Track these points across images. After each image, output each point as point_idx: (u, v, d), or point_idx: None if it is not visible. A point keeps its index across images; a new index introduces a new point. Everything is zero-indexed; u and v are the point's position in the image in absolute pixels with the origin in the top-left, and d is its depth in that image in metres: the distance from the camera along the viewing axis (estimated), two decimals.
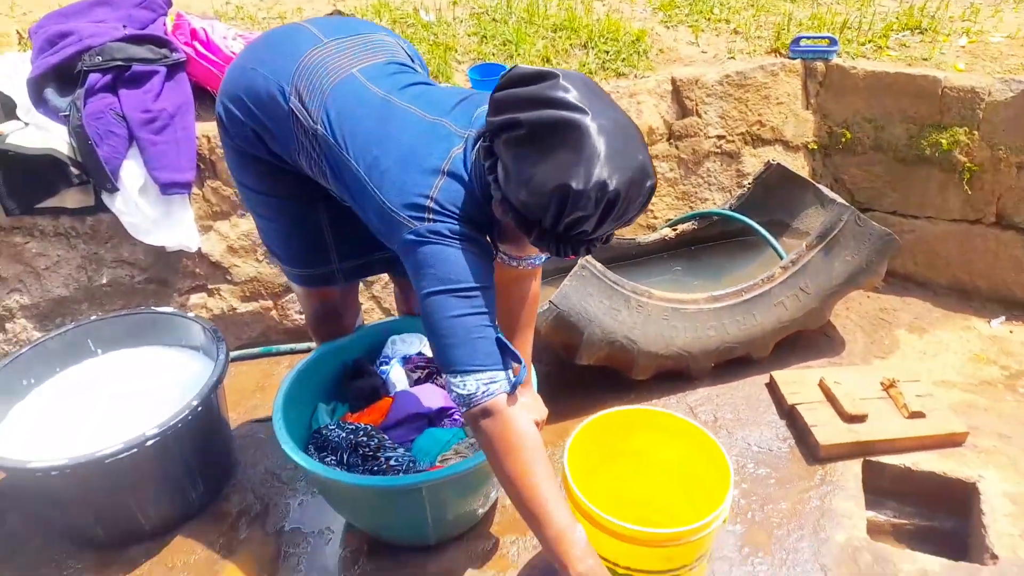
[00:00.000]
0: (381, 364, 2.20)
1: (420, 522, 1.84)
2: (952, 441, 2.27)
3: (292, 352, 2.79)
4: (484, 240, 1.43)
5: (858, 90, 2.94)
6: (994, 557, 1.94)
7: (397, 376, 2.14)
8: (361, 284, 2.53)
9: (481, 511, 2.03)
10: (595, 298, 2.29)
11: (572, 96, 1.20)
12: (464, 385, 1.36)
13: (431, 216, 1.36)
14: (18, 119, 2.42)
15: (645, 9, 3.55)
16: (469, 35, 3.16)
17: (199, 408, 1.91)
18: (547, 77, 1.23)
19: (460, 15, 3.34)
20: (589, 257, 2.29)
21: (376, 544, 2.03)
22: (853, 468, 2.22)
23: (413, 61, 1.71)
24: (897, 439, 2.24)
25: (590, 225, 1.25)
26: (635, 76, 2.94)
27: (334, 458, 1.87)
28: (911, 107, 2.87)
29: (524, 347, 1.83)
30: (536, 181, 1.21)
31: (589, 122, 1.19)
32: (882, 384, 2.42)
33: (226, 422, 2.25)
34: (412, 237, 1.36)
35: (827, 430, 2.27)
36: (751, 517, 2.10)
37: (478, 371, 1.36)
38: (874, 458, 2.24)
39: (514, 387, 1.40)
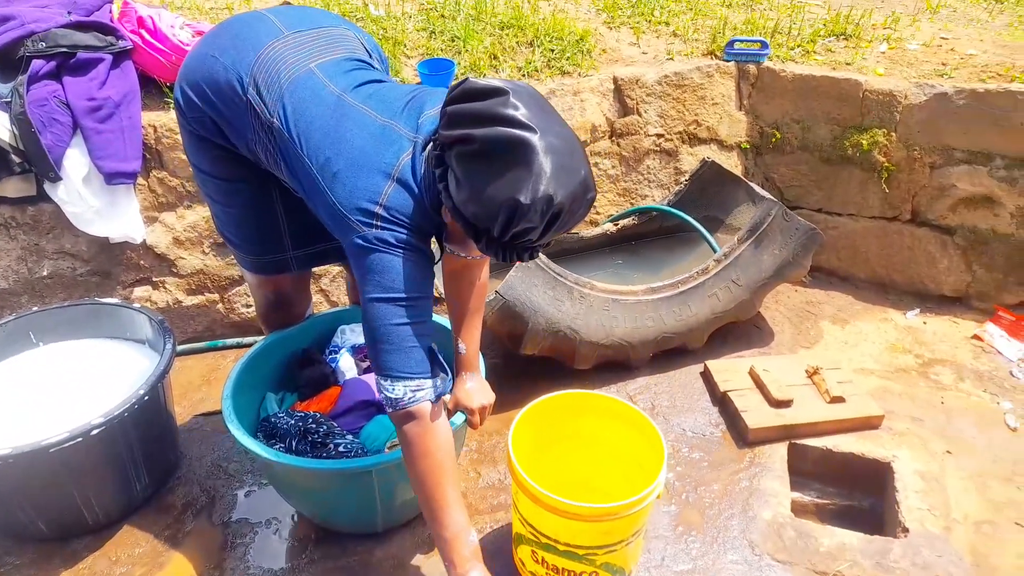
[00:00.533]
0: (330, 353, 2.24)
1: (369, 507, 1.89)
2: (869, 424, 2.43)
3: (238, 346, 2.79)
4: (428, 250, 1.51)
5: (787, 92, 3.09)
6: (905, 530, 2.09)
7: (346, 365, 2.19)
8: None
9: None
10: (539, 289, 2.37)
11: (522, 114, 1.28)
12: (393, 389, 1.47)
13: (379, 223, 1.42)
14: None
15: (589, 10, 3.65)
16: (418, 30, 3.20)
17: (145, 398, 1.92)
18: (498, 93, 1.30)
19: (409, 11, 3.37)
20: None
21: (323, 532, 2.07)
22: (780, 451, 2.36)
23: (371, 56, 1.75)
24: (819, 423, 2.39)
25: (535, 235, 1.33)
26: (579, 75, 3.03)
27: (283, 445, 1.90)
28: (835, 109, 3.04)
29: (472, 332, 1.91)
30: (487, 195, 1.29)
31: (537, 140, 1.27)
32: (806, 372, 2.57)
33: (172, 414, 2.24)
34: (360, 242, 1.43)
35: (756, 415, 2.41)
36: (685, 498, 2.21)
37: (407, 378, 1.47)
38: (799, 441, 2.38)
39: (439, 396, 1.53)
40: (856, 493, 2.36)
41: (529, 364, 2.56)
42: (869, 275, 3.22)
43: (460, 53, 3.04)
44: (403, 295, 1.44)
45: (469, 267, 1.81)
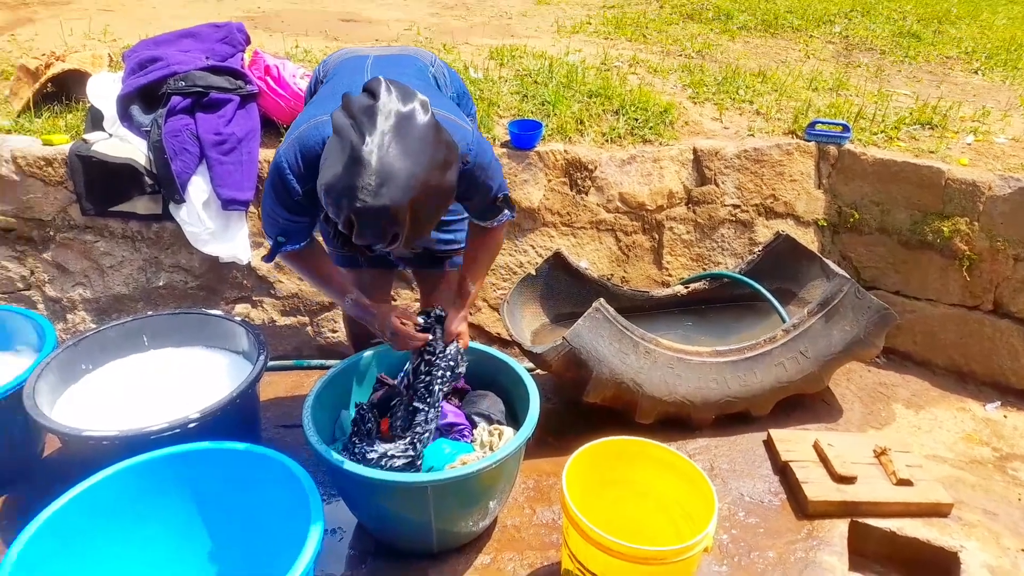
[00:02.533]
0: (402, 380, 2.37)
1: (425, 524, 1.98)
2: (937, 511, 2.35)
3: (322, 367, 2.96)
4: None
5: (867, 175, 3.14)
6: None
7: None
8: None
9: (483, 524, 2.17)
10: (606, 340, 2.46)
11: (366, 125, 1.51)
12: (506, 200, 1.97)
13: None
14: (103, 131, 2.69)
15: (676, 85, 3.82)
16: (512, 93, 3.43)
17: (238, 401, 2.09)
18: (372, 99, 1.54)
19: (505, 75, 3.62)
20: (603, 301, 2.48)
21: (383, 547, 2.17)
22: (840, 527, 2.32)
23: (438, 78, 2.07)
24: (884, 503, 2.34)
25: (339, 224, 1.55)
26: (660, 143, 3.18)
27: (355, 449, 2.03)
28: (916, 195, 3.06)
29: (477, 275, 2.15)
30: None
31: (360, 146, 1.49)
32: (874, 451, 2.53)
33: (258, 420, 2.42)
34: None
35: (817, 487, 2.38)
36: (737, 561, 2.20)
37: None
38: (861, 519, 2.34)
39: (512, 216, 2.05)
40: None
41: (591, 413, 2.63)
42: (947, 362, 3.16)
43: (549, 116, 3.24)
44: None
45: (485, 230, 2.07)
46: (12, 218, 2.76)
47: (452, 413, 2.22)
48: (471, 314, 2.68)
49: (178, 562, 1.87)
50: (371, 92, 1.54)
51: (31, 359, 2.32)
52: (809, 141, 3.23)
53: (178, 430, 1.96)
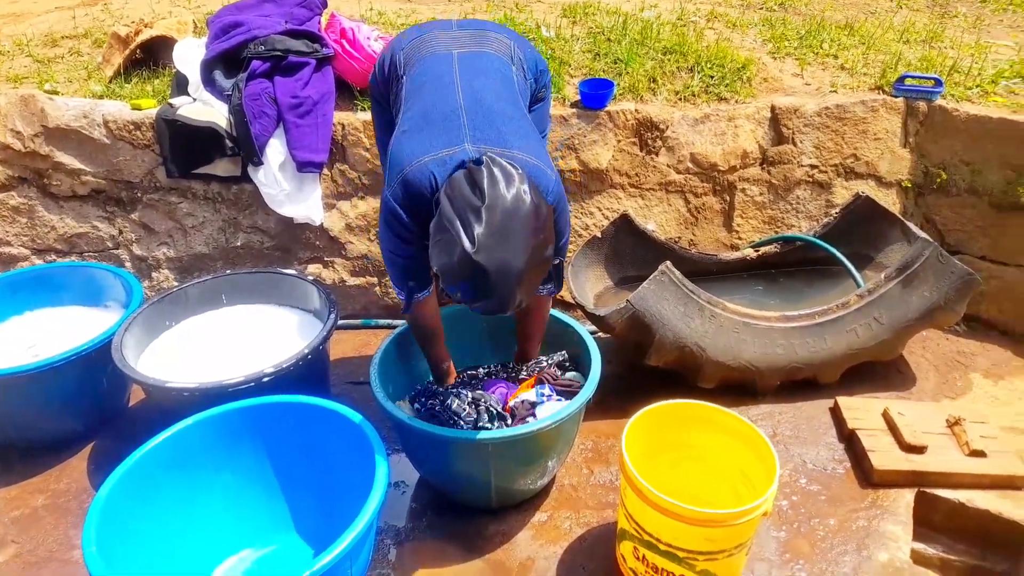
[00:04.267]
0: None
1: (484, 480, 2.05)
2: (1012, 484, 2.27)
3: (389, 327, 3.06)
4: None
5: (958, 132, 2.96)
6: None
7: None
8: None
9: (541, 482, 2.22)
10: (670, 303, 2.45)
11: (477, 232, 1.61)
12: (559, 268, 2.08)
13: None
14: (188, 95, 2.81)
15: (755, 40, 3.67)
16: (584, 52, 3.37)
17: (310, 357, 2.20)
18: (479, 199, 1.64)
19: (577, 33, 3.56)
20: (669, 264, 2.46)
21: (443, 501, 2.26)
22: (905, 496, 2.27)
23: (519, 60, 2.10)
24: (954, 474, 2.27)
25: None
26: (736, 101, 3.08)
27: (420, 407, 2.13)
28: (1012, 154, 2.87)
29: (533, 350, 2.33)
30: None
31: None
32: (947, 421, 2.45)
33: (327, 376, 2.53)
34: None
35: (884, 456, 2.33)
36: (796, 527, 2.19)
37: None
38: (928, 490, 2.28)
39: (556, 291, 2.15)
40: (989, 554, 2.22)
41: (653, 376, 2.63)
42: None
43: (621, 75, 3.17)
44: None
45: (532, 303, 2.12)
46: (103, 180, 2.94)
47: (506, 395, 2.26)
48: None
49: (249, 508, 2.01)
50: (474, 184, 1.63)
51: (118, 314, 2.49)
52: (897, 97, 3.07)
53: (253, 384, 2.07)
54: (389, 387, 2.15)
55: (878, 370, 2.76)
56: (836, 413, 2.59)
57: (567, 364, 2.36)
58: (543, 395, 2.15)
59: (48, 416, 2.38)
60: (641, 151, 3.03)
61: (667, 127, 2.99)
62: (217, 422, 1.93)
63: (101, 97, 2.97)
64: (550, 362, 2.33)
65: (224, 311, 2.61)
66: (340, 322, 3.03)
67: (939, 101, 3.02)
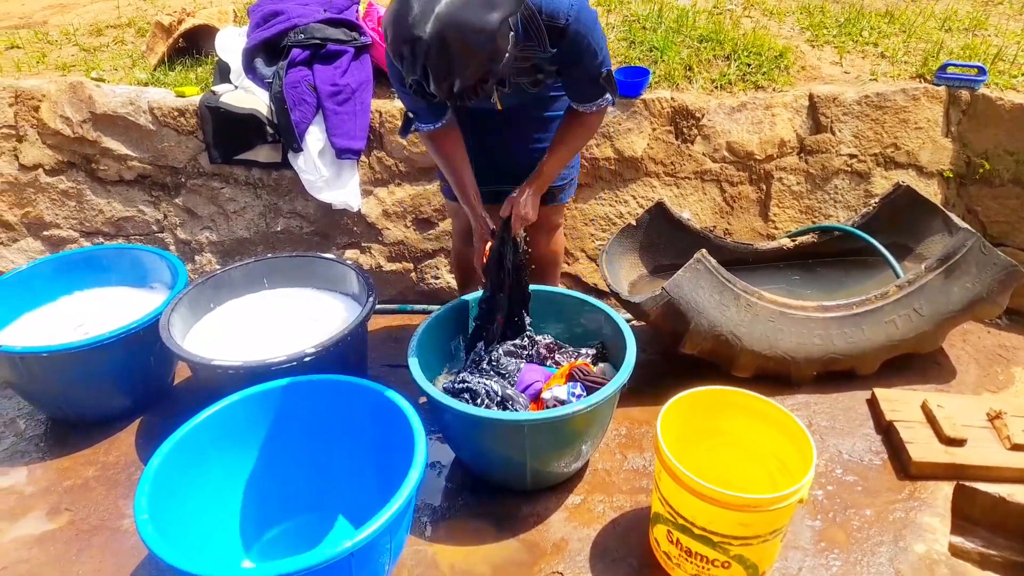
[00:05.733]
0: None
1: (520, 462, 2.08)
2: None
3: (424, 312, 3.10)
4: None
5: (1002, 122, 2.91)
6: None
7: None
8: None
9: (575, 466, 2.24)
10: (706, 291, 2.44)
11: None
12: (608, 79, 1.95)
13: None
14: (230, 83, 2.87)
15: (793, 28, 3.62)
16: (619, 40, 3.36)
17: (349, 338, 2.24)
18: None
19: (612, 21, 3.55)
20: (705, 252, 2.45)
21: (479, 482, 2.29)
22: (944, 489, 2.25)
23: None
24: (995, 467, 2.24)
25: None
26: (773, 89, 3.05)
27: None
28: None
29: (553, 159, 2.14)
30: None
31: None
32: (988, 415, 2.41)
33: (366, 357, 2.58)
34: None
35: (922, 448, 2.30)
36: (832, 517, 2.18)
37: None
38: (968, 483, 2.26)
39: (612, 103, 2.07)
40: None
41: (687, 365, 2.63)
42: None
43: (656, 63, 3.16)
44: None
45: (580, 116, 2.07)
46: (148, 165, 3.01)
47: (542, 376, 2.29)
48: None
49: (291, 482, 2.06)
50: None
51: (164, 295, 2.56)
52: (939, 85, 3.01)
53: (295, 363, 2.12)
54: (426, 369, 2.18)
55: (916, 362, 2.73)
56: (873, 404, 2.57)
57: (600, 353, 2.37)
58: (573, 394, 2.17)
59: (97, 392, 2.46)
60: (676, 139, 3.03)
61: (703, 115, 2.98)
62: (261, 399, 1.98)
63: (146, 85, 3.04)
64: (586, 355, 2.34)
65: (265, 293, 2.67)
66: (377, 307, 3.08)
67: (983, 90, 2.96)
